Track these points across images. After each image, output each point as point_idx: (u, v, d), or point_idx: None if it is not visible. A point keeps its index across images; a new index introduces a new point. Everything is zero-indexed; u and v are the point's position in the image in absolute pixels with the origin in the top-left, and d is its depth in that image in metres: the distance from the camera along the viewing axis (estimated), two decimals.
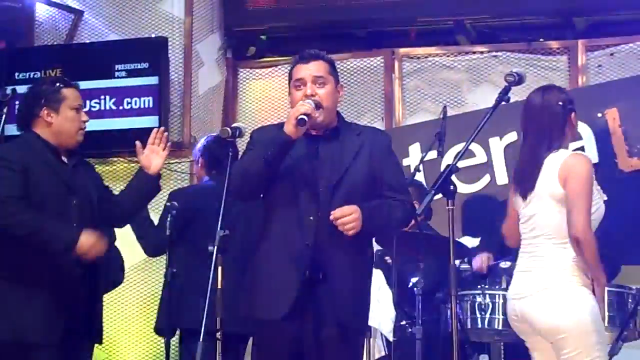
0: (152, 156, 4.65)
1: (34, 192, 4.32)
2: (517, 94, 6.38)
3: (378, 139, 4.21)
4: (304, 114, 3.91)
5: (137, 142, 4.64)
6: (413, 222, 4.71)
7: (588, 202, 4.11)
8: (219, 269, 3.91)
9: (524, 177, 4.26)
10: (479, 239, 6.15)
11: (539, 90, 4.38)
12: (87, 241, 4.26)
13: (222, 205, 3.92)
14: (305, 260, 3.97)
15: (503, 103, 4.15)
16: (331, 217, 3.93)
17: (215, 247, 3.87)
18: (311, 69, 4.13)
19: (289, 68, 4.32)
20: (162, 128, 4.73)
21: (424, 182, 6.38)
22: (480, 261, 5.63)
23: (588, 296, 4.10)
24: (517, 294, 4.22)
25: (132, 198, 4.68)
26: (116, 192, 4.84)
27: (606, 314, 4.40)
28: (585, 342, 4.04)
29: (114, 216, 4.69)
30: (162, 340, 5.76)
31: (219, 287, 3.90)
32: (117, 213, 4.68)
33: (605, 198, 4.31)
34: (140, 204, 4.81)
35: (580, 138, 6.19)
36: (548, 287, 4.11)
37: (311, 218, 3.99)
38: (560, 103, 4.28)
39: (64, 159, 4.54)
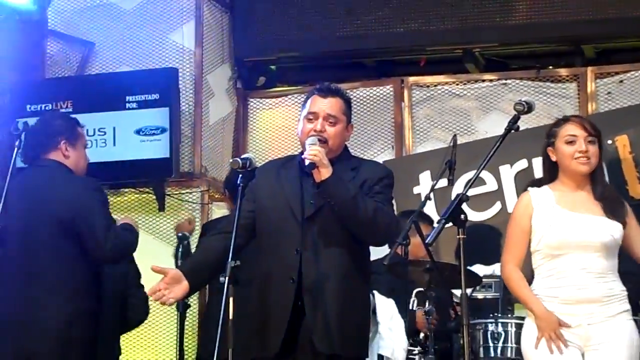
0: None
1: None
2: (527, 122, 6.44)
3: (372, 172, 4.20)
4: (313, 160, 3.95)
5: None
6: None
7: (508, 240, 4.35)
8: (230, 299, 3.89)
9: None
10: (490, 266, 6.13)
11: None
12: None
13: (233, 236, 3.92)
14: (290, 293, 4.00)
15: (512, 131, 4.14)
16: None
17: (226, 278, 3.85)
18: (326, 106, 4.14)
19: (299, 97, 4.36)
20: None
21: (435, 211, 6.39)
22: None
23: (527, 325, 4.27)
24: None
25: None
26: None
27: None
28: None
29: None
30: None
31: (230, 318, 3.89)
32: None
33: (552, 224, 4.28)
34: None
35: None
36: None
37: (294, 251, 4.03)
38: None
39: None
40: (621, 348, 4.09)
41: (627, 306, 4.21)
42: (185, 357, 6.08)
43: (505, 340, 5.19)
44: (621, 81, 7.01)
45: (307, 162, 3.97)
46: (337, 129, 4.13)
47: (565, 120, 4.40)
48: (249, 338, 4.11)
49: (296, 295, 4.01)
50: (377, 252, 4.92)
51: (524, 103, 4.10)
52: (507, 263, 4.33)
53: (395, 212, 6.66)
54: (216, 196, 7.31)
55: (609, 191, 4.33)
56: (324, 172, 3.96)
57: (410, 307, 5.73)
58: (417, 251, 5.79)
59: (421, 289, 5.76)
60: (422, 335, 5.59)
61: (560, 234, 4.21)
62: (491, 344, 5.22)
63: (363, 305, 4.19)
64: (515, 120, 4.09)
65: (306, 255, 4.03)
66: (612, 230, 4.20)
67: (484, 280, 5.80)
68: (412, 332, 5.57)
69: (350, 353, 4.06)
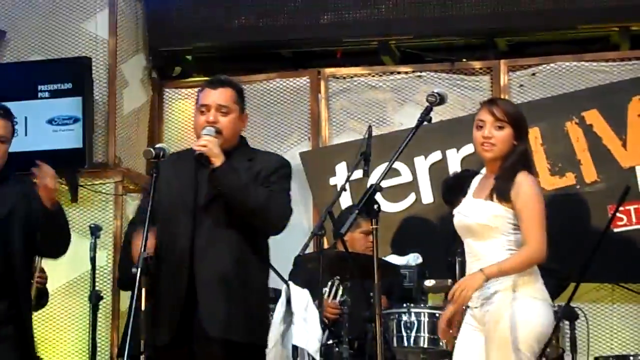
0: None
1: None
2: (442, 114, 6.51)
3: (268, 162, 4.29)
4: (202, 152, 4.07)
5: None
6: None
7: None
8: (142, 290, 3.87)
9: None
10: (404, 257, 6.18)
11: None
12: None
13: (145, 228, 3.91)
14: (183, 282, 4.09)
15: (426, 123, 4.16)
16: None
17: (139, 269, 3.84)
18: (216, 96, 4.22)
19: None
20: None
21: (350, 202, 6.41)
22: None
23: None
24: None
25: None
26: None
27: None
28: None
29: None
30: None
31: (143, 308, 3.87)
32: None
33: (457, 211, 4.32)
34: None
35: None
36: None
37: (188, 241, 4.12)
38: None
39: None
40: (495, 328, 4.03)
41: (505, 285, 4.05)
42: (98, 349, 6.02)
43: (419, 330, 5.24)
44: (533, 74, 7.11)
45: (196, 153, 4.07)
46: (229, 119, 4.22)
47: (482, 104, 4.37)
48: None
49: (189, 283, 4.09)
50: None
51: (436, 95, 4.12)
52: None
53: (312, 203, 6.74)
54: (130, 187, 7.24)
55: (505, 171, 4.16)
56: (215, 161, 4.06)
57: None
58: (354, 244, 5.81)
59: (336, 279, 5.79)
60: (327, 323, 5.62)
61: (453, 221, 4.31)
62: (404, 334, 5.26)
63: (257, 292, 4.24)
64: (427, 111, 4.11)
65: (199, 244, 4.11)
66: (481, 212, 4.11)
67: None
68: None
69: (242, 338, 4.11)
